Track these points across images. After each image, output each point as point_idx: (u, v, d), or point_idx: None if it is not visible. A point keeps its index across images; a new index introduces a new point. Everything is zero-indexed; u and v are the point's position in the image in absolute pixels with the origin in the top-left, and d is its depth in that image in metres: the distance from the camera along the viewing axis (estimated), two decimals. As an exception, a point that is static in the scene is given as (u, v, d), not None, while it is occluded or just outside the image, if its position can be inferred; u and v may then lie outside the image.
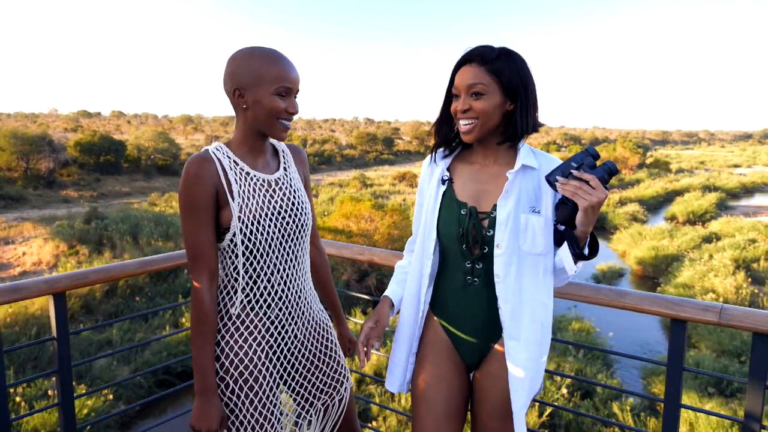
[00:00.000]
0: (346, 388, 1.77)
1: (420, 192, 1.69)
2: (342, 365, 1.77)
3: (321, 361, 1.71)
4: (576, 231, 1.42)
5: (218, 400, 1.50)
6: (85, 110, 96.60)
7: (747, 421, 1.75)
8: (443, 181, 1.60)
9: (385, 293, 1.69)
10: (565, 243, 1.47)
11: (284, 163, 1.62)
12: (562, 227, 1.51)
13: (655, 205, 25.01)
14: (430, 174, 1.65)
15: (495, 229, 1.50)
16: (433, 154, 1.66)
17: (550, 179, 1.43)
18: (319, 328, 1.72)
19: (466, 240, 1.53)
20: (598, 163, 1.43)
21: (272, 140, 1.64)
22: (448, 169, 1.63)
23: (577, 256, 1.44)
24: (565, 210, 1.45)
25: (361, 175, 30.07)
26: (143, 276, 11.29)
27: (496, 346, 1.57)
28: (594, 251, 1.46)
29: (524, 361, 1.51)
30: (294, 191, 1.59)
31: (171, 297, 10.48)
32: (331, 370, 1.73)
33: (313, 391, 1.69)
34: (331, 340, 1.75)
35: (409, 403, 6.09)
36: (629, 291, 1.93)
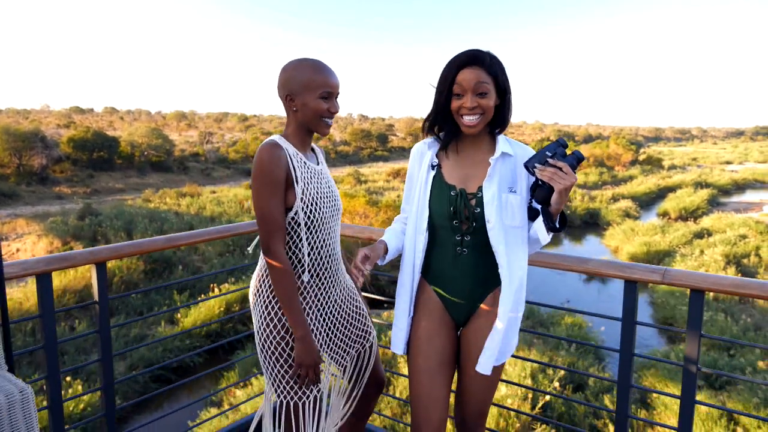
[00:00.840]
0: (372, 337, 2.07)
1: (410, 177, 1.91)
2: (368, 319, 2.06)
3: (352, 317, 2.00)
4: (550, 208, 1.66)
5: (314, 340, 1.79)
6: (77, 106, 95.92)
7: (686, 363, 2.03)
8: (432, 167, 1.82)
9: (382, 239, 1.88)
10: (540, 217, 1.70)
11: (320, 157, 1.92)
12: (538, 206, 1.72)
13: (647, 201, 25.18)
14: (420, 161, 1.88)
15: (483, 207, 1.73)
16: (428, 145, 1.87)
17: (528, 166, 1.66)
18: (349, 290, 2.01)
19: (458, 217, 1.75)
20: (568, 152, 1.65)
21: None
22: (437, 156, 1.85)
23: (551, 229, 1.68)
24: (542, 191, 1.67)
25: (356, 171, 30.13)
26: (138, 273, 11.32)
27: (483, 306, 1.80)
28: (563, 225, 1.71)
29: (506, 312, 1.75)
30: (330, 181, 1.90)
31: (166, 292, 10.50)
32: (360, 324, 2.03)
33: (348, 341, 1.99)
34: (358, 300, 2.04)
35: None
36: (591, 258, 2.29)
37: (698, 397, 3.90)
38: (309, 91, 1.72)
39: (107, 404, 2.32)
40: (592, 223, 20.74)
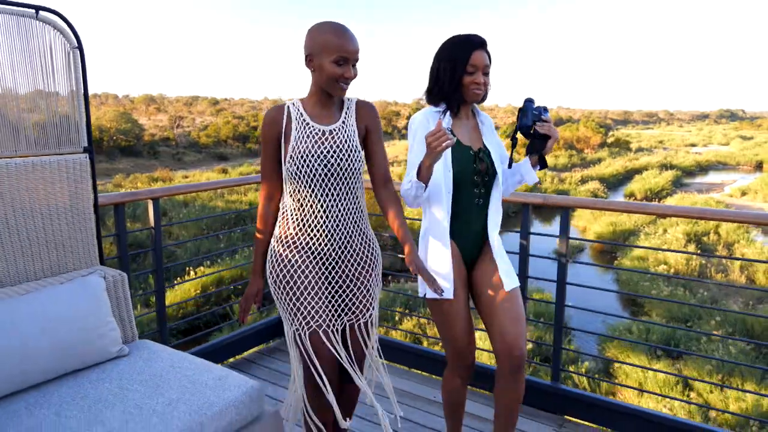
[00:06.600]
0: (371, 314, 2.00)
1: (420, 142, 2.02)
2: (370, 295, 2.00)
3: (353, 283, 1.97)
4: (544, 153, 2.08)
5: (257, 282, 2.04)
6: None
7: (558, 257, 2.76)
8: (449, 131, 1.98)
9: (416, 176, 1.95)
10: (527, 163, 2.13)
11: (345, 116, 1.93)
12: (535, 154, 2.11)
13: (615, 183, 25.78)
14: (428, 128, 2.03)
15: (493, 162, 2.07)
16: (443, 111, 2.08)
17: (525, 125, 2.03)
18: (358, 255, 1.98)
19: (478, 172, 2.04)
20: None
21: (344, 97, 1.94)
22: None
23: (543, 168, 2.14)
24: (539, 142, 2.06)
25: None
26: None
27: (486, 245, 2.11)
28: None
29: (499, 241, 2.12)
30: (344, 141, 1.88)
31: (141, 277, 10.51)
32: (360, 294, 1.98)
33: (342, 306, 1.97)
34: (368, 270, 2.00)
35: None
36: None
37: (657, 367, 4.27)
38: (325, 54, 1.76)
39: (159, 305, 2.96)
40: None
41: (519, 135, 2.08)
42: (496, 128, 2.16)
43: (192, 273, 10.29)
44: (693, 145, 51.00)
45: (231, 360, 3.42)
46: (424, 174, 1.88)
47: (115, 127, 29.94)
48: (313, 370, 1.83)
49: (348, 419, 2.01)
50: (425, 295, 2.06)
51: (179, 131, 37.75)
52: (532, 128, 2.03)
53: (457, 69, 1.98)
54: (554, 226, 18.29)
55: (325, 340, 1.83)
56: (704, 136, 64.79)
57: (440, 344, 7.21)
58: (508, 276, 2.04)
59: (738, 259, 2.71)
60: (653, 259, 12.34)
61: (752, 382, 6.51)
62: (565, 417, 2.78)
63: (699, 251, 12.47)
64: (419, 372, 3.27)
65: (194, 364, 2.01)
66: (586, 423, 2.72)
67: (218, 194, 18.17)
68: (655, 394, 2.98)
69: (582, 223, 17.56)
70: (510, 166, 2.15)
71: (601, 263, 14.16)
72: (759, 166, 35.18)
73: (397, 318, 8.08)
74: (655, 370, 4.73)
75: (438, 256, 2.04)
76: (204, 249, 12.19)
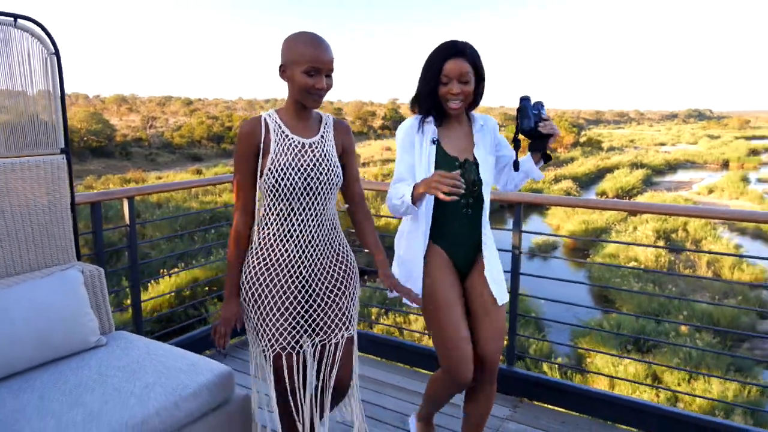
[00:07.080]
0: (343, 335, 1.92)
1: (406, 149, 2.04)
2: (344, 314, 1.93)
3: (323, 301, 1.91)
4: (546, 149, 2.02)
5: (236, 304, 1.90)
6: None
7: (513, 249, 2.96)
8: (433, 142, 2.01)
9: (409, 198, 1.90)
10: (529, 162, 2.06)
11: (323, 131, 1.89)
12: (538, 152, 2.06)
13: (587, 181, 26.25)
14: (413, 135, 2.04)
15: (480, 172, 2.02)
16: (422, 123, 2.04)
17: (527, 127, 1.96)
18: (331, 273, 1.92)
19: (465, 183, 1.98)
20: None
21: (319, 112, 1.92)
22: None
23: (547, 161, 2.06)
24: (542, 141, 2.00)
25: (305, 155, 29.94)
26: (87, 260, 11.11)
27: (480, 254, 2.08)
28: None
29: (495, 252, 2.09)
30: (324, 155, 1.85)
31: (114, 278, 10.39)
32: (332, 313, 1.91)
33: (313, 326, 1.90)
34: (340, 288, 1.94)
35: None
36: None
37: (627, 361, 4.45)
38: (297, 64, 1.72)
39: (134, 299, 3.10)
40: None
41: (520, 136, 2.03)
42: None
43: (166, 276, 10.21)
44: (662, 144, 52.14)
45: (205, 353, 3.49)
46: (416, 198, 1.86)
47: (86, 127, 29.44)
48: (271, 391, 1.82)
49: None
50: (394, 295, 2.02)
51: (152, 132, 37.29)
52: (535, 130, 1.97)
53: (432, 79, 1.93)
54: (529, 224, 18.59)
55: (285, 366, 1.80)
56: (673, 135, 66.31)
57: (414, 335, 7.25)
58: (497, 290, 2.03)
59: (704, 252, 2.84)
60: (624, 256, 12.63)
61: (718, 374, 6.75)
62: (520, 399, 2.93)
63: (665, 247, 12.79)
64: (391, 362, 3.36)
65: (169, 351, 2.13)
66: (540, 403, 2.89)
67: (192, 195, 18.04)
68: (623, 379, 3.11)
69: (556, 221, 17.87)
70: (516, 168, 2.07)
71: (573, 260, 14.43)
72: (725, 165, 36.19)
73: (374, 317, 8.15)
74: (620, 356, 4.88)
75: (411, 262, 2.05)
76: (179, 250, 12.11)
